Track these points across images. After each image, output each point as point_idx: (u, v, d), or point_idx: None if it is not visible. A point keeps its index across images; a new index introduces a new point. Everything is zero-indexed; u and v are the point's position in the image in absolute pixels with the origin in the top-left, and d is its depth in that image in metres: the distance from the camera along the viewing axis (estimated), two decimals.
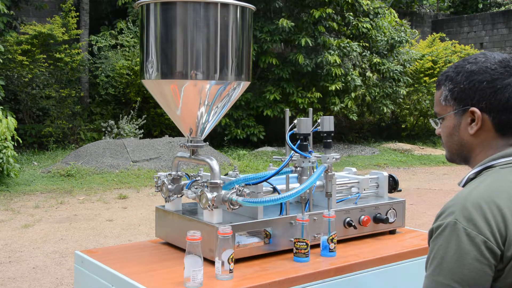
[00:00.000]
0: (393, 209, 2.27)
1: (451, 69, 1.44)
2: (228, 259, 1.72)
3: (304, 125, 2.01)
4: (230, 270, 1.73)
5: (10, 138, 7.81)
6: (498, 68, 1.36)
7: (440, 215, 1.28)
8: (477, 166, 1.38)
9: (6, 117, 7.96)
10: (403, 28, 14.24)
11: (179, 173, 2.10)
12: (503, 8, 20.90)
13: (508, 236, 1.21)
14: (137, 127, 11.51)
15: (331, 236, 1.97)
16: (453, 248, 1.22)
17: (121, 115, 11.79)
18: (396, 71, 13.48)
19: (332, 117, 2.12)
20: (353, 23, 13.02)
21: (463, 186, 1.39)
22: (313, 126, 2.08)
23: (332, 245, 1.97)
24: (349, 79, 12.54)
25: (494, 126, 1.37)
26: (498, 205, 1.24)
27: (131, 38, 12.46)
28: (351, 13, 12.95)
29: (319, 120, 2.10)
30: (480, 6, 21.52)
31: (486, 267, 1.21)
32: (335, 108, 12.53)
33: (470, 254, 1.21)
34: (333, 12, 12.40)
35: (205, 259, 1.77)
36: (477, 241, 1.21)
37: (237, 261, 1.84)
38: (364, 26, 13.01)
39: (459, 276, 1.21)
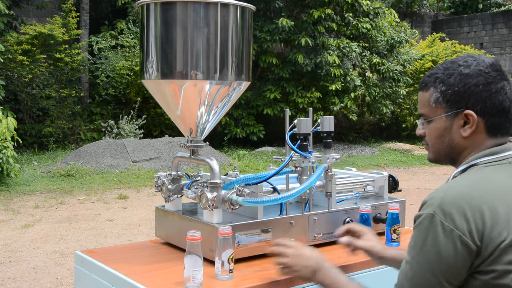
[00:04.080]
0: None
1: (439, 70, 1.43)
2: (228, 259, 1.72)
3: (304, 125, 2.01)
4: (230, 270, 1.73)
5: (10, 138, 7.81)
6: (491, 72, 1.38)
7: (423, 205, 1.32)
8: (462, 165, 1.41)
9: (6, 117, 7.96)
10: (403, 28, 14.24)
11: (179, 173, 2.09)
12: (503, 8, 20.90)
13: (485, 233, 1.23)
14: (137, 127, 11.52)
15: (394, 227, 2.09)
16: (430, 240, 1.26)
17: (121, 115, 11.80)
18: (396, 71, 13.47)
19: (332, 117, 2.12)
20: (353, 23, 13.02)
21: None
22: (313, 126, 2.08)
23: (394, 236, 2.09)
24: (349, 79, 12.55)
25: (486, 128, 1.39)
26: (477, 201, 1.26)
27: (131, 38, 12.46)
28: (351, 13, 12.96)
29: (319, 120, 2.10)
30: (480, 6, 21.52)
31: (460, 261, 1.24)
32: (335, 108, 12.53)
33: (445, 247, 1.24)
34: (333, 12, 12.41)
35: (205, 259, 1.77)
36: (452, 235, 1.24)
37: (237, 261, 1.84)
38: (364, 26, 13.02)
39: (434, 267, 1.26)
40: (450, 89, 1.40)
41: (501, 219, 1.25)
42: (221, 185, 1.89)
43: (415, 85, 14.38)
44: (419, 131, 1.52)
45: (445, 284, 1.26)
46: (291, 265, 1.62)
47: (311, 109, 2.26)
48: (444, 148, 1.46)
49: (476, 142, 1.41)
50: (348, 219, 2.13)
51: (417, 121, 1.57)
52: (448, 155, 1.46)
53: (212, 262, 1.78)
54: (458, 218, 1.24)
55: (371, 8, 13.17)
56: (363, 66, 13.30)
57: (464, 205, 1.25)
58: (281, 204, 2.02)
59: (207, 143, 2.11)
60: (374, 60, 13.27)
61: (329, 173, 2.07)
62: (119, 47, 12.47)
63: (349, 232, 1.85)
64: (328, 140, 2.09)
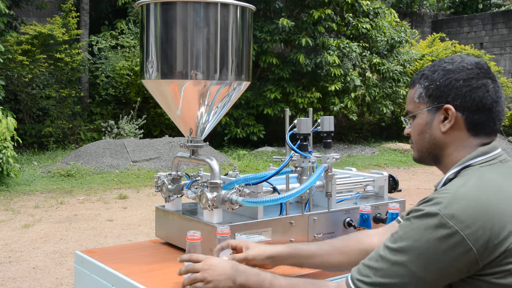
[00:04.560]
0: None
1: (426, 68, 1.46)
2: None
3: (304, 125, 2.01)
4: None
5: (9, 138, 7.81)
6: (474, 69, 1.39)
7: (425, 201, 1.29)
8: (456, 166, 1.39)
9: (6, 117, 7.97)
10: (403, 28, 14.25)
11: (179, 173, 2.09)
12: (503, 8, 20.90)
13: (493, 236, 1.22)
14: (137, 127, 11.52)
15: None
16: (428, 236, 1.23)
17: (121, 115, 11.80)
18: (396, 71, 13.48)
19: (332, 117, 2.12)
20: (353, 23, 13.03)
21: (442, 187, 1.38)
22: (313, 126, 2.08)
23: None
24: (349, 79, 12.56)
25: (466, 125, 1.39)
26: (486, 204, 1.24)
27: (132, 39, 12.46)
28: (351, 14, 12.96)
29: (319, 120, 2.10)
30: (480, 6, 21.53)
31: (452, 263, 1.22)
32: (335, 108, 12.54)
33: (442, 246, 1.22)
34: (333, 12, 12.41)
35: None
36: (454, 236, 1.22)
37: None
38: (364, 26, 13.03)
39: (423, 263, 1.24)
40: (433, 84, 1.41)
41: (509, 219, 1.24)
42: (221, 185, 1.89)
43: None
44: (406, 130, 1.52)
45: (429, 281, 1.24)
46: (204, 279, 1.47)
47: (311, 109, 2.25)
48: (425, 145, 1.45)
49: (457, 140, 1.40)
50: (348, 219, 2.13)
51: (402, 118, 1.56)
52: (430, 152, 1.45)
53: None
54: (464, 220, 1.22)
55: (371, 8, 13.17)
56: (363, 66, 13.31)
57: (472, 209, 1.23)
58: (281, 204, 2.02)
59: (207, 143, 2.11)
60: (374, 60, 13.28)
61: (329, 173, 2.07)
62: (119, 47, 12.47)
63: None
64: (328, 140, 2.09)
